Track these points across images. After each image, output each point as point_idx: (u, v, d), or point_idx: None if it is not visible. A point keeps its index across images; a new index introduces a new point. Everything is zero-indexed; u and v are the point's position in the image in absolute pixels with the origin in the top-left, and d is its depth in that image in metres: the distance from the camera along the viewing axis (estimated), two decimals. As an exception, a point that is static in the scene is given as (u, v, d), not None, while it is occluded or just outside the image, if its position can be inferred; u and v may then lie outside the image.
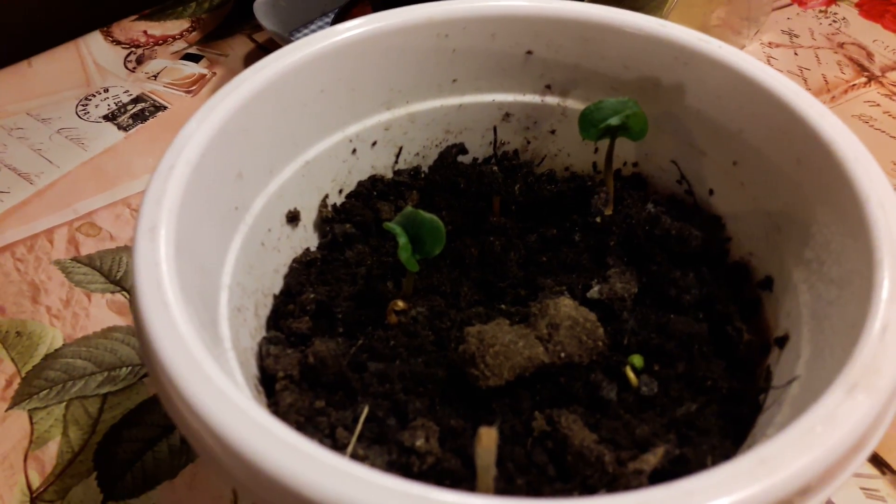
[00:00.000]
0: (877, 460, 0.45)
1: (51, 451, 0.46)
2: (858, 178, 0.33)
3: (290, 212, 0.42)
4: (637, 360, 0.37)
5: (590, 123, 0.40)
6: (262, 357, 0.37)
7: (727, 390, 0.36)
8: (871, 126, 0.66)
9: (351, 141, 0.44)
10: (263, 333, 0.39)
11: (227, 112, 0.36)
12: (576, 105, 0.45)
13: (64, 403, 0.49)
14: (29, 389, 0.49)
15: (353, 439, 0.33)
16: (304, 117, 0.41)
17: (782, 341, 0.36)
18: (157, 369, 0.28)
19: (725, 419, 0.35)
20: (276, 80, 0.38)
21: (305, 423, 0.34)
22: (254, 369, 0.36)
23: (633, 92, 0.43)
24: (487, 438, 0.27)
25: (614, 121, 0.39)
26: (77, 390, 0.49)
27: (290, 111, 0.40)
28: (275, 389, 0.35)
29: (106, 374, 0.50)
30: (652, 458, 0.32)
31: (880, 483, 0.44)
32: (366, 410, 0.34)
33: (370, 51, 0.42)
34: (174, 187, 0.33)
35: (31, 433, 0.47)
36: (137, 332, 0.29)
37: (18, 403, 0.49)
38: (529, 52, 0.44)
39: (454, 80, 0.45)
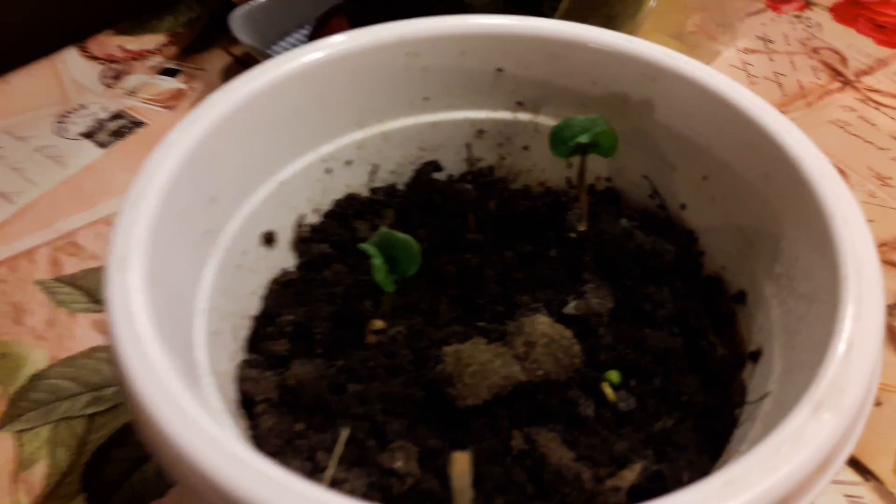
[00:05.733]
0: (860, 467, 0.46)
1: (38, 473, 0.46)
2: (824, 195, 0.33)
3: (265, 233, 0.42)
4: (614, 375, 0.37)
5: (560, 141, 0.40)
6: (240, 381, 0.37)
7: (703, 405, 0.37)
8: (847, 131, 0.67)
9: (325, 160, 0.44)
10: (242, 356, 0.39)
11: (197, 136, 0.36)
12: (548, 121, 0.45)
13: (51, 425, 0.49)
14: (15, 411, 0.49)
15: (334, 463, 0.33)
16: (275, 138, 0.41)
17: (756, 356, 0.37)
18: (132, 400, 0.28)
19: (701, 434, 0.35)
20: (246, 102, 0.39)
21: (285, 446, 0.34)
22: (232, 393, 0.36)
23: (602, 108, 0.43)
24: (461, 463, 0.27)
25: (583, 138, 0.39)
26: (63, 411, 0.49)
27: (261, 133, 0.40)
28: (254, 413, 0.36)
29: (92, 394, 0.50)
30: (629, 475, 0.33)
31: (863, 490, 0.45)
32: (346, 434, 0.34)
33: (340, 70, 0.42)
34: (144, 215, 0.33)
35: (19, 455, 0.47)
36: (112, 362, 0.30)
37: (5, 426, 0.49)
38: (500, 70, 0.44)
39: (426, 98, 0.45)
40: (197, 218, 0.37)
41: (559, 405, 0.36)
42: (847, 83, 0.72)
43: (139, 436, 0.29)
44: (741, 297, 0.39)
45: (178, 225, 0.35)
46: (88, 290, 0.56)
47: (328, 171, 0.44)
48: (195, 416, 0.27)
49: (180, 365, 0.30)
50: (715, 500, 0.25)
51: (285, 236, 0.43)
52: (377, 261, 0.37)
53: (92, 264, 0.58)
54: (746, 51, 0.75)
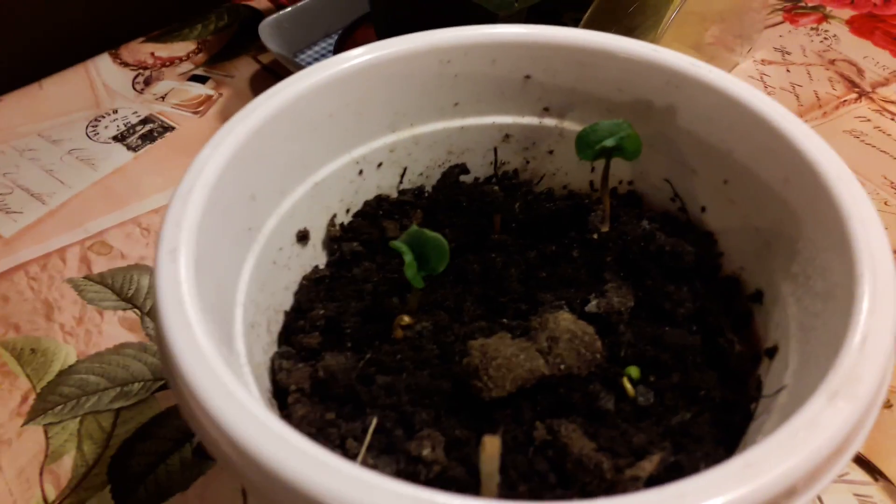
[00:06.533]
0: (869, 467, 0.47)
1: (66, 465, 0.48)
2: (841, 197, 0.34)
3: (300, 231, 0.43)
4: (633, 371, 0.38)
5: (586, 145, 0.41)
6: (274, 371, 0.39)
7: (720, 400, 0.37)
8: (862, 141, 0.68)
9: (358, 162, 0.45)
10: (275, 349, 0.40)
11: (242, 137, 0.38)
12: (572, 126, 0.46)
13: (78, 418, 0.50)
14: (44, 405, 0.51)
15: (363, 449, 0.34)
16: (313, 140, 0.42)
17: (772, 352, 0.38)
18: (180, 383, 0.29)
19: (718, 427, 0.36)
20: (288, 105, 0.40)
21: (317, 434, 0.35)
22: (267, 383, 0.38)
23: (627, 114, 0.44)
24: (491, 446, 0.28)
25: (609, 142, 0.41)
26: (91, 405, 0.51)
27: (300, 135, 0.41)
28: (287, 402, 0.37)
29: (119, 389, 0.51)
30: (648, 465, 0.34)
31: (873, 490, 0.46)
32: (374, 422, 0.36)
33: (376, 76, 0.43)
34: (193, 210, 0.34)
35: (47, 447, 0.48)
36: (159, 348, 0.31)
37: (34, 419, 0.50)
38: (528, 77, 0.45)
39: (456, 104, 0.46)
40: (239, 214, 0.38)
41: (580, 398, 0.37)
42: (863, 94, 0.73)
43: (185, 417, 0.30)
44: (758, 296, 0.40)
45: (223, 220, 0.36)
46: (117, 288, 0.58)
47: (360, 172, 0.46)
48: (241, 398, 0.28)
49: (225, 353, 0.31)
50: (735, 482, 0.26)
51: (318, 235, 0.45)
52: (408, 258, 0.38)
53: (121, 263, 0.59)
54: (764, 62, 0.76)
